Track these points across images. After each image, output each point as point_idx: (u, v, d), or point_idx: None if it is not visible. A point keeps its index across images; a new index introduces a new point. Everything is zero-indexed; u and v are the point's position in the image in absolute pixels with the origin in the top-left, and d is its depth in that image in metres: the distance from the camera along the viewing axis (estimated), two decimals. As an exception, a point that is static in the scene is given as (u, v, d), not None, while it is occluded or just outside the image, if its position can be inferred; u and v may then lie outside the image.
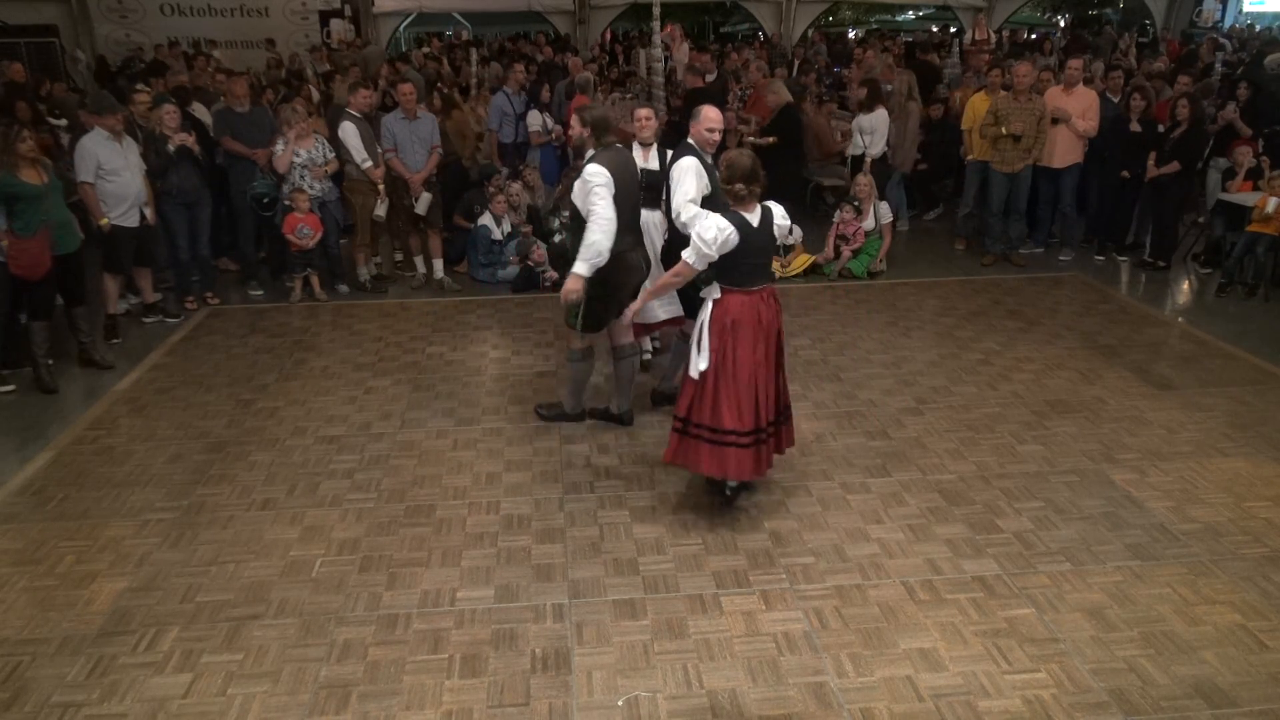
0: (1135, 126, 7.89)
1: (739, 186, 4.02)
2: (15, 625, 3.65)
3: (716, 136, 4.96)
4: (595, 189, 4.54)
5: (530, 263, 7.67)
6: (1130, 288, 7.87)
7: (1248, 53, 14.61)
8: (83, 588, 3.88)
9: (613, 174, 4.59)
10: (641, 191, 5.00)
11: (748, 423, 4.07)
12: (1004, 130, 7.83)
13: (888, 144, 8.88)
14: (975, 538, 4.19)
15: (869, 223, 8.09)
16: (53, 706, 3.23)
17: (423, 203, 7.49)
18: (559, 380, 5.76)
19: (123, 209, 6.48)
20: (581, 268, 4.56)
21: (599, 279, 4.66)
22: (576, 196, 4.71)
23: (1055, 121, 7.88)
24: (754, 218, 4.07)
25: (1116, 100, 8.43)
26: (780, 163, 8.19)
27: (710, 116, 4.87)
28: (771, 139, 8.66)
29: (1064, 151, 8.01)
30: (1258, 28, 19.92)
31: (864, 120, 8.84)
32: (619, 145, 4.87)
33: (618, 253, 4.68)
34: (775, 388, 4.25)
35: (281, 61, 13.58)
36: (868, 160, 8.76)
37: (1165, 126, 7.86)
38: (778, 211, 4.20)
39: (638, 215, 4.99)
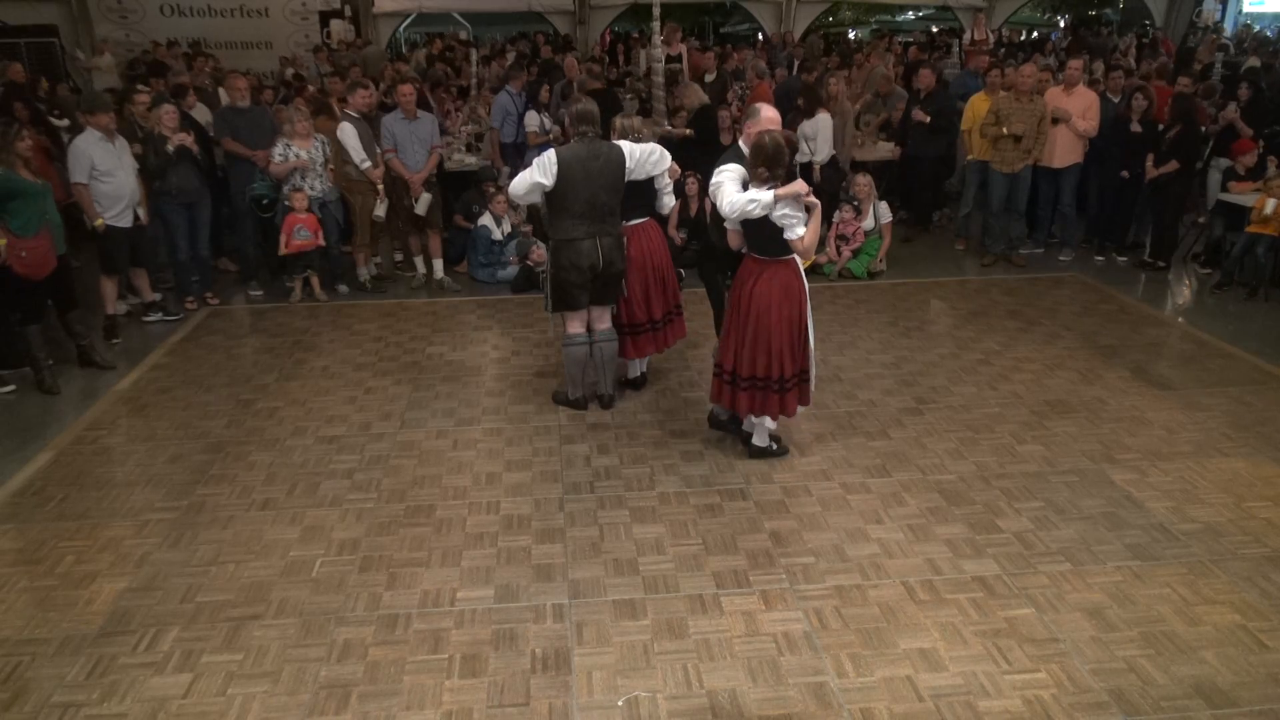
0: (1136, 127, 7.88)
1: (761, 170, 4.30)
2: (15, 625, 3.65)
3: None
4: (533, 164, 5.00)
5: (530, 262, 7.67)
6: (1130, 288, 7.86)
7: (1247, 54, 14.59)
8: (83, 588, 3.88)
9: (566, 162, 4.91)
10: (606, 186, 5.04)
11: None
12: (1004, 130, 7.83)
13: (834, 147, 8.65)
14: (975, 538, 4.19)
15: (868, 222, 8.09)
16: (53, 707, 3.23)
17: (422, 203, 7.49)
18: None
19: (117, 209, 6.48)
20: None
21: (554, 259, 5.12)
22: None
23: (1056, 122, 7.89)
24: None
25: (1117, 100, 8.43)
26: (701, 156, 8.16)
27: (770, 117, 4.75)
28: (689, 131, 8.63)
29: (1064, 151, 8.01)
30: (1256, 28, 19.91)
31: (806, 126, 8.51)
32: (598, 138, 5.05)
33: (570, 238, 5.04)
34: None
35: (289, 62, 13.60)
36: (815, 166, 8.53)
37: (1164, 126, 7.86)
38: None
39: (599, 206, 5.03)
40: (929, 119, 8.72)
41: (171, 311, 7.13)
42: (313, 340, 6.73)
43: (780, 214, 4.27)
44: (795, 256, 4.47)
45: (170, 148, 6.72)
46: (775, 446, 4.91)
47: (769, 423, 4.80)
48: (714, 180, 4.57)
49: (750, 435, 4.90)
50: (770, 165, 4.27)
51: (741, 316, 4.59)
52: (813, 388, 4.76)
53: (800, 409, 4.80)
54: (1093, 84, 8.67)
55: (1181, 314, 7.32)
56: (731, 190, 4.37)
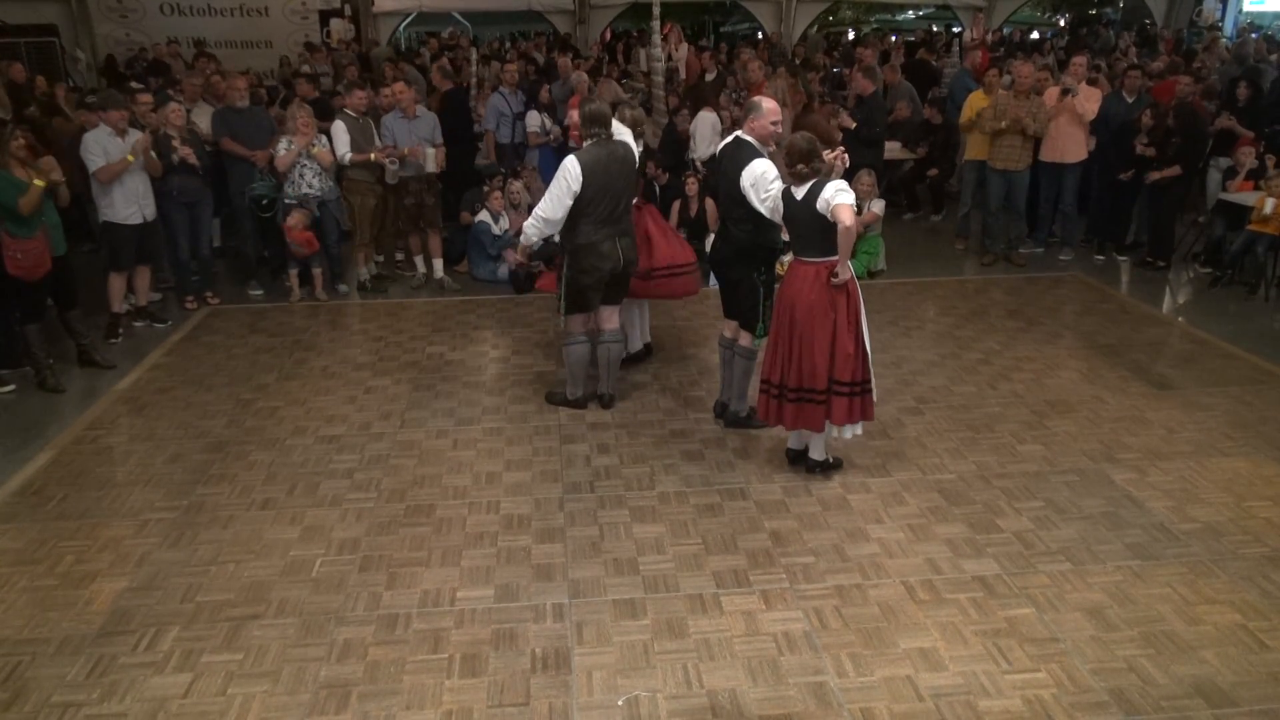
0: (1143, 140, 7.86)
1: (800, 167, 4.33)
2: (15, 625, 3.65)
3: (779, 129, 4.90)
4: (555, 181, 4.87)
5: (519, 260, 7.70)
6: (1130, 287, 7.86)
7: (1244, 52, 14.57)
8: (83, 588, 3.88)
9: (590, 168, 4.82)
10: (630, 185, 5.02)
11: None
12: (1003, 124, 7.81)
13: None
14: (975, 537, 4.19)
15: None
16: (53, 706, 3.23)
17: (430, 160, 7.35)
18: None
19: (128, 207, 6.48)
20: (522, 239, 5.23)
21: (572, 263, 5.03)
22: None
23: (1065, 93, 7.83)
24: (799, 192, 4.37)
25: (1131, 101, 8.38)
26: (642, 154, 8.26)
27: (772, 110, 4.79)
28: None
29: (1069, 147, 8.00)
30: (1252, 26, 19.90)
31: (694, 124, 8.65)
32: (611, 139, 4.99)
33: (590, 241, 4.96)
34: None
35: (289, 61, 13.59)
36: (695, 162, 8.48)
37: (1167, 132, 7.85)
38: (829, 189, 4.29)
39: (620, 207, 5.01)
40: (854, 125, 8.30)
41: (159, 317, 7.07)
42: (313, 340, 6.73)
43: (835, 189, 4.23)
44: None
45: (175, 158, 6.72)
46: (831, 460, 4.74)
47: (834, 432, 4.59)
48: (753, 179, 4.60)
49: (804, 449, 4.76)
50: (806, 160, 4.31)
51: (784, 323, 4.51)
52: (874, 398, 4.53)
53: (861, 424, 4.54)
54: (1092, 82, 8.65)
55: (1182, 313, 7.32)
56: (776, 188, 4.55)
